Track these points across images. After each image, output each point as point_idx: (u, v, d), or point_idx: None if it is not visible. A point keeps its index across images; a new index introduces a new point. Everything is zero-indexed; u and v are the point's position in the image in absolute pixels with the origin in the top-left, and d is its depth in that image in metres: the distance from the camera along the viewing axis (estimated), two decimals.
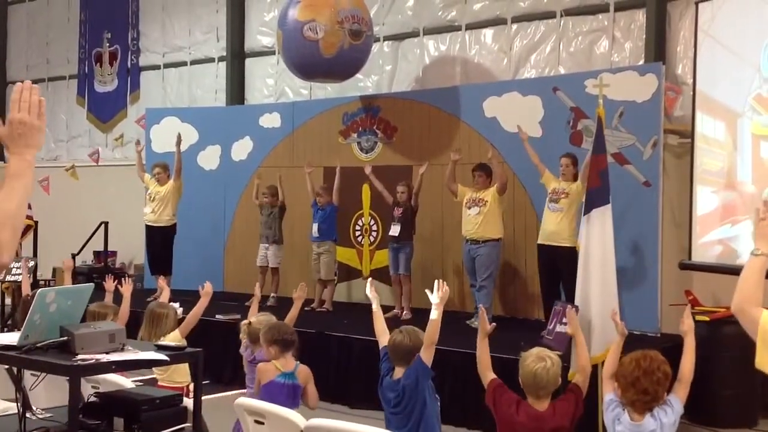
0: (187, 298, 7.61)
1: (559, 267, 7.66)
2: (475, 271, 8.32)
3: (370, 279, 5.35)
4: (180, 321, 5.70)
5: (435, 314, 4.44)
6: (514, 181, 8.88)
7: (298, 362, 4.86)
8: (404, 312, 8.79)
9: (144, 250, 11.57)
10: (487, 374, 4.14)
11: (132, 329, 5.54)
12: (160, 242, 10.27)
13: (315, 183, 9.74)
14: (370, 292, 4.96)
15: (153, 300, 7.18)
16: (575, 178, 7.78)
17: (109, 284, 6.15)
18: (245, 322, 5.36)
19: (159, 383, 5.38)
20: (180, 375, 5.32)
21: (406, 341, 4.40)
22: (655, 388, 3.45)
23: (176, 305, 5.87)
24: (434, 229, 9.42)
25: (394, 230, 8.88)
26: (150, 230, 10.31)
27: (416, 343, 4.40)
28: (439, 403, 4.49)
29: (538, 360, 3.90)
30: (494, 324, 4.34)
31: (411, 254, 8.93)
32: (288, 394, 4.63)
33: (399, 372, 4.41)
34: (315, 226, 9.47)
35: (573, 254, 7.32)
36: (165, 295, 6.12)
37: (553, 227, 7.81)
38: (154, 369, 5.30)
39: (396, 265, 8.91)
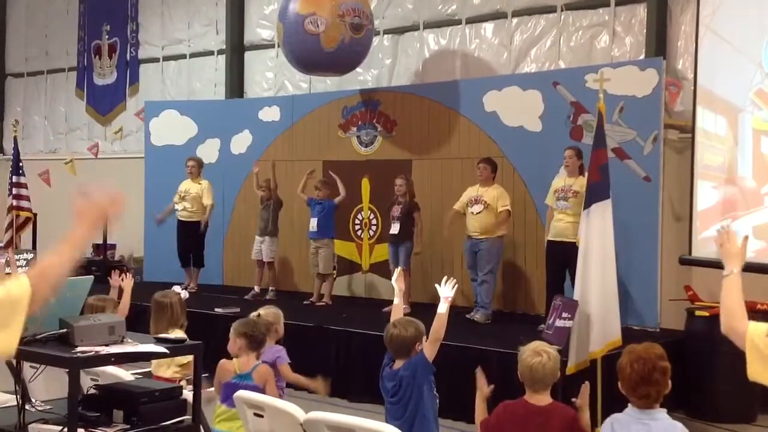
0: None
1: (568, 264, 7.50)
2: (476, 265, 8.31)
3: (399, 269, 5.23)
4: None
5: (443, 308, 4.40)
6: (514, 177, 8.87)
7: (259, 362, 4.76)
8: (404, 306, 8.79)
9: (143, 243, 11.61)
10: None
11: (132, 323, 5.53)
12: (193, 237, 10.34)
13: (309, 180, 9.68)
14: (396, 282, 4.90)
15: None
16: (581, 172, 7.70)
17: (115, 279, 6.12)
18: (254, 314, 5.33)
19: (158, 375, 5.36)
20: (164, 370, 5.29)
21: (402, 333, 4.39)
22: (657, 389, 3.46)
23: (178, 288, 5.81)
24: (434, 224, 9.40)
25: (394, 229, 8.86)
26: (183, 225, 10.36)
27: (412, 334, 4.39)
28: (438, 401, 4.48)
29: (534, 354, 3.91)
30: (492, 386, 4.19)
31: (411, 249, 8.91)
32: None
33: (399, 363, 4.40)
34: (314, 221, 9.44)
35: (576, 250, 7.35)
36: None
37: (562, 224, 7.73)
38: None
39: (396, 259, 8.90)
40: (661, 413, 3.47)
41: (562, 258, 7.62)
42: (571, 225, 7.55)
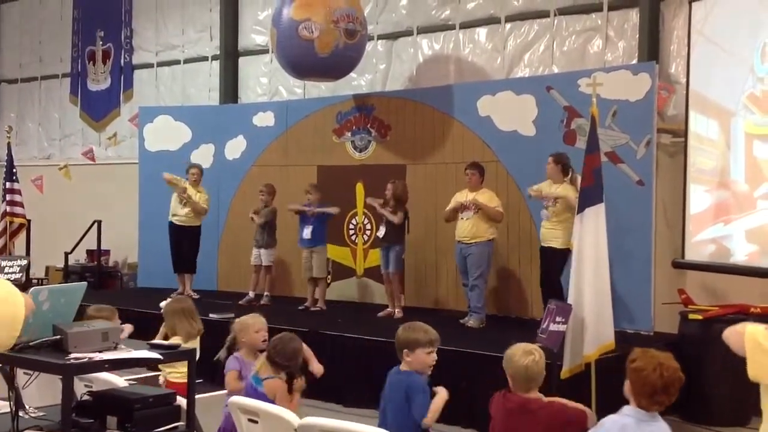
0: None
1: (548, 267, 7.77)
2: (467, 270, 8.33)
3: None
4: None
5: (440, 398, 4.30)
6: (508, 181, 8.88)
7: (273, 376, 4.61)
8: (396, 311, 8.80)
9: (137, 249, 11.58)
10: None
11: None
12: (189, 242, 10.29)
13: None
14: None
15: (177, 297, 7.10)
16: (564, 174, 7.76)
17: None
18: (237, 320, 5.32)
19: (168, 378, 5.33)
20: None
21: (401, 335, 4.36)
22: (671, 399, 3.47)
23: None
24: (428, 229, 9.42)
25: (381, 232, 8.87)
26: (178, 230, 10.25)
27: (411, 338, 4.35)
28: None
29: (526, 354, 3.95)
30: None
31: (401, 252, 8.92)
32: (254, 396, 4.43)
33: (402, 365, 4.37)
34: (308, 230, 9.37)
35: (558, 254, 7.60)
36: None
37: (543, 230, 7.90)
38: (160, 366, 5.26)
39: (386, 262, 8.90)
40: (658, 416, 3.49)
41: (545, 261, 7.79)
42: (549, 230, 7.75)
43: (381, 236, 8.87)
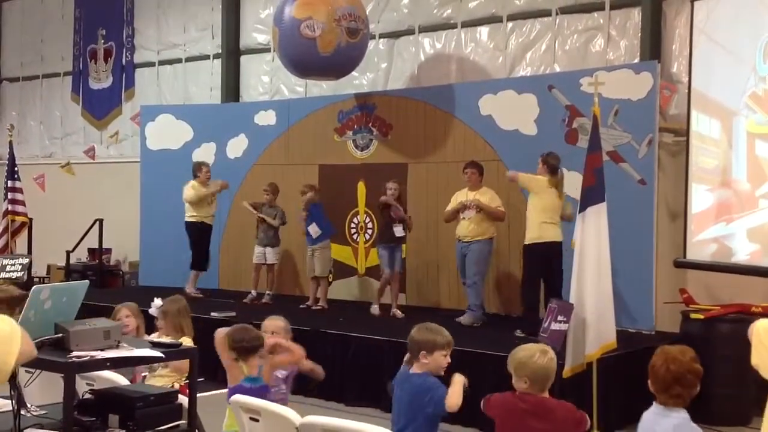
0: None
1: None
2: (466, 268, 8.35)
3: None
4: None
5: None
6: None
7: (262, 365, 4.65)
8: (397, 311, 8.80)
9: (138, 248, 11.58)
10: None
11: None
12: (208, 239, 10.37)
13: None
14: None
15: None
16: (552, 174, 7.74)
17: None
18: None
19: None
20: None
21: (414, 336, 4.27)
22: (689, 391, 3.52)
23: (159, 301, 5.75)
24: (429, 228, 9.42)
25: (398, 231, 8.85)
26: (207, 228, 10.28)
27: (423, 339, 4.26)
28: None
29: (543, 353, 3.94)
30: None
31: (402, 251, 8.97)
32: (257, 395, 4.42)
33: (413, 367, 4.29)
34: (314, 226, 9.32)
35: (525, 250, 7.82)
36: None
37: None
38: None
39: (392, 262, 8.89)
40: (684, 412, 3.52)
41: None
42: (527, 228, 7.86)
43: (402, 235, 8.87)
